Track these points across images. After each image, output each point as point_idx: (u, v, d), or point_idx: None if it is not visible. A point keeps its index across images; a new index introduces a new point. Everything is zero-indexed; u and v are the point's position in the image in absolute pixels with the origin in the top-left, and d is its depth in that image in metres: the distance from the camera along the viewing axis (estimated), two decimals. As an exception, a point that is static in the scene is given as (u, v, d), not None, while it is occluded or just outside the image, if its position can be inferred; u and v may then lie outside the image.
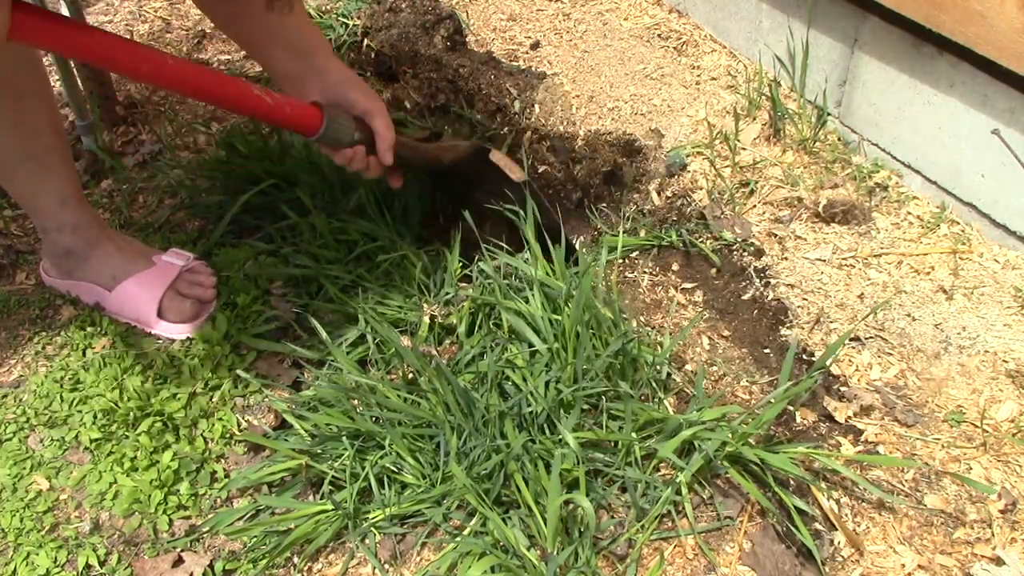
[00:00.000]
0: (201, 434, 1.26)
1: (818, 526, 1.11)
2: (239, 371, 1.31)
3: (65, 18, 1.04)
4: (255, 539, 1.13)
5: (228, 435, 1.26)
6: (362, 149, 1.28)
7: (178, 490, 1.19)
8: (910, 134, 1.51)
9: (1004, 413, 1.21)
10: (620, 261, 1.50)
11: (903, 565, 1.06)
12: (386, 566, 1.10)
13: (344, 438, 1.18)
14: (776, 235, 1.48)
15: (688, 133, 1.70)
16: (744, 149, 1.64)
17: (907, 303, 1.36)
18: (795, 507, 1.08)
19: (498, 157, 1.35)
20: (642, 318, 1.40)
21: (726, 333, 1.39)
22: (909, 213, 1.50)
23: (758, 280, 1.42)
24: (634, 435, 1.14)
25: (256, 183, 1.54)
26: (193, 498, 1.19)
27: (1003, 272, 1.39)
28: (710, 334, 1.39)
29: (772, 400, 1.14)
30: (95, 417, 1.27)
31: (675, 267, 1.49)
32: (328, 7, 2.11)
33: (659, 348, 1.30)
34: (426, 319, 1.31)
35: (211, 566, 1.11)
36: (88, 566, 1.13)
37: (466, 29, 2.01)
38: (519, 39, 1.98)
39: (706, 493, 1.14)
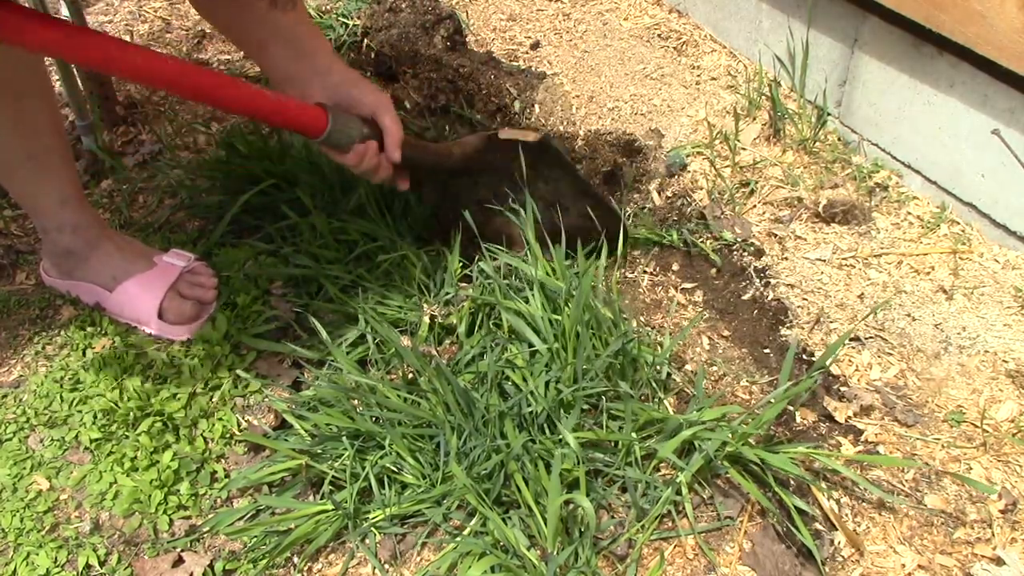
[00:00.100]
0: (201, 434, 1.26)
1: (818, 526, 1.11)
2: (239, 371, 1.31)
3: (56, 19, 1.02)
4: (255, 539, 1.13)
5: (228, 435, 1.26)
6: (373, 146, 1.24)
7: (178, 490, 1.19)
8: (910, 134, 1.51)
9: (1004, 413, 1.21)
10: (620, 261, 1.50)
11: (903, 565, 1.06)
12: (386, 566, 1.10)
13: (344, 438, 1.18)
14: (776, 235, 1.48)
15: (688, 133, 1.70)
16: (744, 149, 1.64)
17: (907, 303, 1.36)
18: (795, 507, 1.08)
19: (508, 132, 1.32)
20: (642, 318, 1.40)
21: (726, 333, 1.39)
22: (909, 213, 1.50)
23: (758, 280, 1.42)
24: (634, 435, 1.14)
25: (256, 183, 1.54)
26: (193, 498, 1.19)
27: (1003, 272, 1.39)
28: (710, 334, 1.39)
29: (772, 400, 1.14)
30: (95, 417, 1.27)
31: (675, 267, 1.49)
32: (328, 7, 2.11)
33: (659, 348, 1.30)
34: (426, 319, 1.31)
35: (211, 566, 1.11)
36: (88, 566, 1.13)
37: (466, 29, 2.01)
38: (519, 39, 1.98)
39: (706, 493, 1.14)
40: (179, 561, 1.12)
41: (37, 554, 1.14)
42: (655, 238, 1.50)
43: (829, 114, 1.66)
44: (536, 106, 1.78)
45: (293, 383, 1.32)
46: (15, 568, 1.13)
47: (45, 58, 1.40)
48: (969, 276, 1.39)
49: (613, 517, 1.12)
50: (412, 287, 1.38)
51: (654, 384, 1.24)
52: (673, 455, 1.12)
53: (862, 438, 1.20)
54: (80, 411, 1.29)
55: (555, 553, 1.02)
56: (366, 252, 1.42)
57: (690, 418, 1.14)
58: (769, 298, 1.39)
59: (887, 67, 1.50)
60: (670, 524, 1.11)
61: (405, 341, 1.29)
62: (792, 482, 1.14)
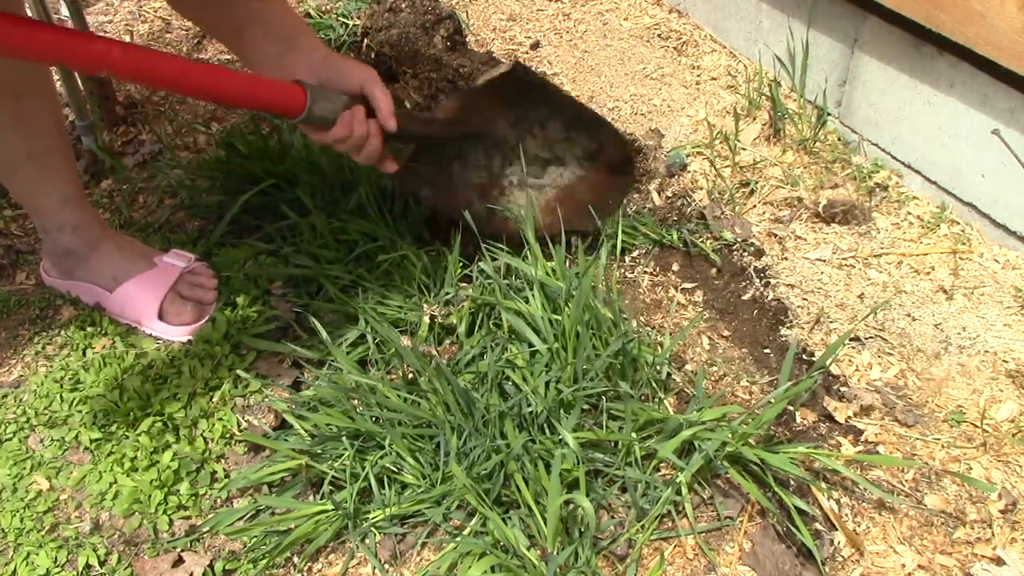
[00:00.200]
0: (201, 434, 1.26)
1: (818, 526, 1.11)
2: (239, 371, 1.31)
3: (24, 19, 0.98)
4: (255, 539, 1.13)
5: (228, 435, 1.26)
6: (360, 112, 1.18)
7: (178, 490, 1.19)
8: (910, 134, 1.51)
9: (1004, 413, 1.21)
10: (620, 261, 1.50)
11: (903, 565, 1.06)
12: (386, 566, 1.10)
13: (344, 438, 1.18)
14: (776, 235, 1.48)
15: (688, 133, 1.70)
16: (744, 149, 1.64)
17: (907, 303, 1.36)
18: (795, 507, 1.08)
19: (480, 80, 1.29)
20: (642, 318, 1.40)
21: (726, 333, 1.39)
22: (909, 213, 1.50)
23: (758, 280, 1.42)
24: (634, 435, 1.14)
25: (256, 183, 1.54)
26: (193, 498, 1.19)
27: (1003, 272, 1.39)
28: (710, 334, 1.39)
29: (772, 400, 1.14)
30: (95, 417, 1.27)
31: (675, 267, 1.49)
32: (328, 7, 2.11)
33: (659, 348, 1.30)
34: (426, 319, 1.31)
35: (211, 566, 1.11)
36: (88, 566, 1.13)
37: (466, 29, 2.01)
38: (519, 39, 1.98)
39: (706, 493, 1.14)
40: (179, 561, 1.12)
41: (37, 554, 1.14)
42: (655, 238, 1.50)
43: (829, 114, 1.66)
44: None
45: (293, 383, 1.32)
46: (15, 568, 1.13)
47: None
48: (969, 276, 1.39)
49: (613, 517, 1.12)
50: (412, 287, 1.37)
51: (654, 384, 1.24)
52: (673, 455, 1.12)
53: (862, 438, 1.20)
54: (80, 411, 1.29)
55: (555, 553, 1.02)
56: (366, 252, 1.42)
57: (690, 418, 1.14)
58: (769, 298, 1.39)
59: (887, 67, 1.50)
60: (670, 524, 1.11)
61: (405, 341, 1.29)
62: (792, 482, 1.14)
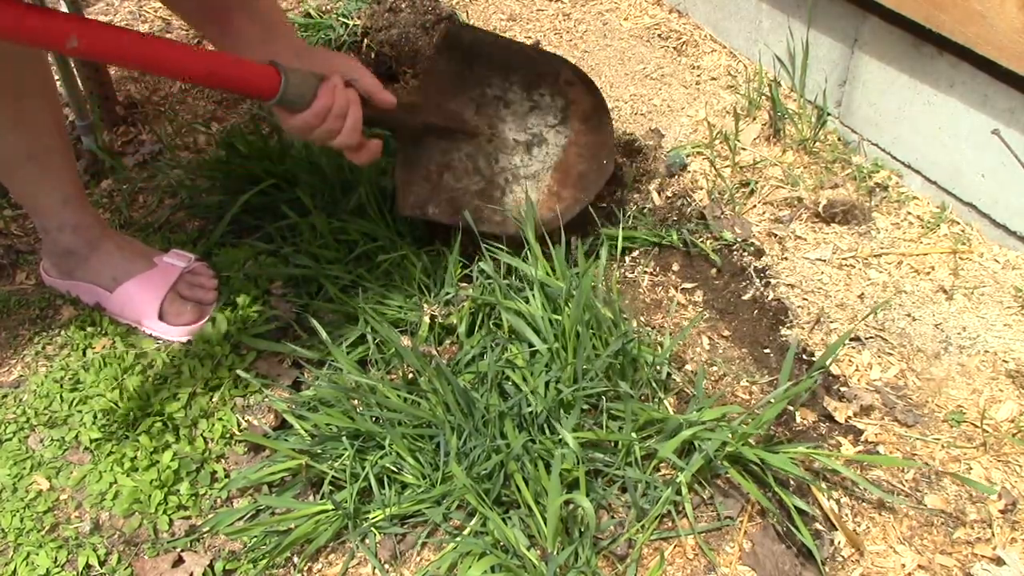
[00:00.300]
0: (201, 434, 1.26)
1: (818, 526, 1.11)
2: (239, 371, 1.31)
3: None
4: (255, 539, 1.13)
5: (228, 435, 1.26)
6: (339, 83, 1.15)
7: (178, 490, 1.19)
8: (910, 134, 1.51)
9: (1004, 413, 1.21)
10: (620, 261, 1.50)
11: (903, 565, 1.06)
12: (386, 566, 1.10)
13: (344, 438, 1.18)
14: (776, 235, 1.48)
15: (688, 133, 1.70)
16: (744, 149, 1.65)
17: (907, 303, 1.36)
18: (795, 507, 1.08)
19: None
20: (642, 318, 1.40)
21: (726, 333, 1.39)
22: (909, 213, 1.50)
23: (758, 280, 1.42)
24: (634, 435, 1.14)
25: (256, 183, 1.54)
26: (193, 498, 1.19)
27: (1003, 272, 1.39)
28: (710, 334, 1.39)
29: (772, 400, 1.14)
30: (95, 417, 1.27)
31: (675, 267, 1.49)
32: (328, 7, 2.11)
33: (659, 348, 1.30)
34: (426, 319, 1.31)
35: (211, 566, 1.11)
36: (88, 566, 1.13)
37: (466, 29, 2.01)
38: (519, 39, 1.98)
39: (706, 493, 1.14)
40: (179, 561, 1.12)
41: (37, 554, 1.14)
42: (655, 238, 1.50)
43: (829, 114, 1.66)
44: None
45: (293, 383, 1.32)
46: (15, 568, 1.13)
47: (47, 57, 1.40)
48: (969, 276, 1.39)
49: (613, 517, 1.12)
50: (412, 287, 1.38)
51: (654, 384, 1.24)
52: (673, 455, 1.12)
53: (862, 438, 1.20)
54: (80, 411, 1.29)
55: (555, 553, 1.02)
56: (366, 252, 1.42)
57: (690, 418, 1.14)
58: (769, 298, 1.39)
59: (887, 67, 1.50)
60: (670, 524, 1.11)
61: (405, 341, 1.29)
62: (792, 482, 1.14)
